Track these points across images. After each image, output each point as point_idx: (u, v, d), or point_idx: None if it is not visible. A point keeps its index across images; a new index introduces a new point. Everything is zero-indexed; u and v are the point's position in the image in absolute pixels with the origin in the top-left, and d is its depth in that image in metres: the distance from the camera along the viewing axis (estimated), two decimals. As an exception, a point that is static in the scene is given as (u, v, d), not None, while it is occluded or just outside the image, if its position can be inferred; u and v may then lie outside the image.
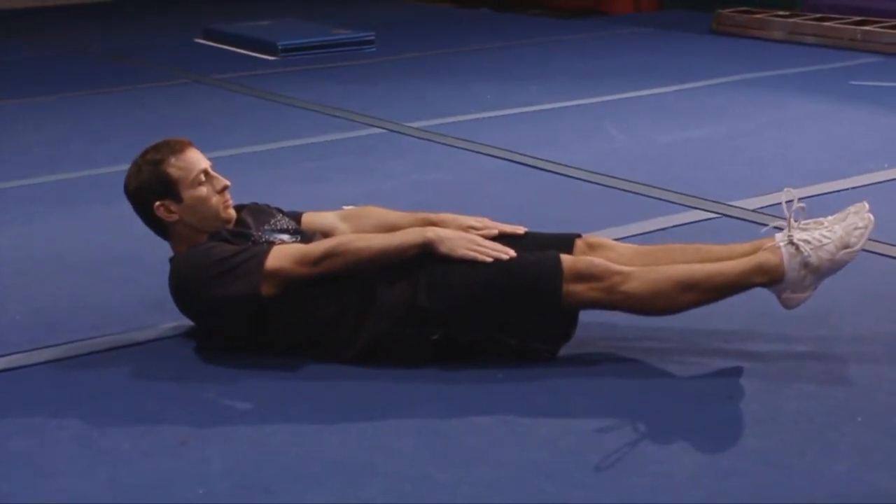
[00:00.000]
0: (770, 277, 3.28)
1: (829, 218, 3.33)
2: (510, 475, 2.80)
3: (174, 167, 3.46)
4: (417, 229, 3.40)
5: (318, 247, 3.37)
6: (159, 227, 3.54)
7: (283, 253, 3.35)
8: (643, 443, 2.91)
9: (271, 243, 3.44)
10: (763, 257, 3.29)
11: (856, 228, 3.28)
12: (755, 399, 3.12)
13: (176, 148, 3.49)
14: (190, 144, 3.52)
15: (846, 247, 3.27)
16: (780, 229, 3.33)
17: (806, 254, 3.26)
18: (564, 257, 3.32)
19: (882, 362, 3.31)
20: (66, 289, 4.05)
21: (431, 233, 3.37)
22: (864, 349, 3.39)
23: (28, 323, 3.75)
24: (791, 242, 3.27)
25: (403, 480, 2.79)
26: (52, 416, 3.15)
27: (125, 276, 4.11)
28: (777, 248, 3.29)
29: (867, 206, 3.33)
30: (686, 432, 2.96)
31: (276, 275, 3.31)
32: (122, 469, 2.88)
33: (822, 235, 3.28)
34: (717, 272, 3.29)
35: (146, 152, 3.51)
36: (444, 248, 3.35)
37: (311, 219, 3.71)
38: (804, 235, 3.28)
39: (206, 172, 3.49)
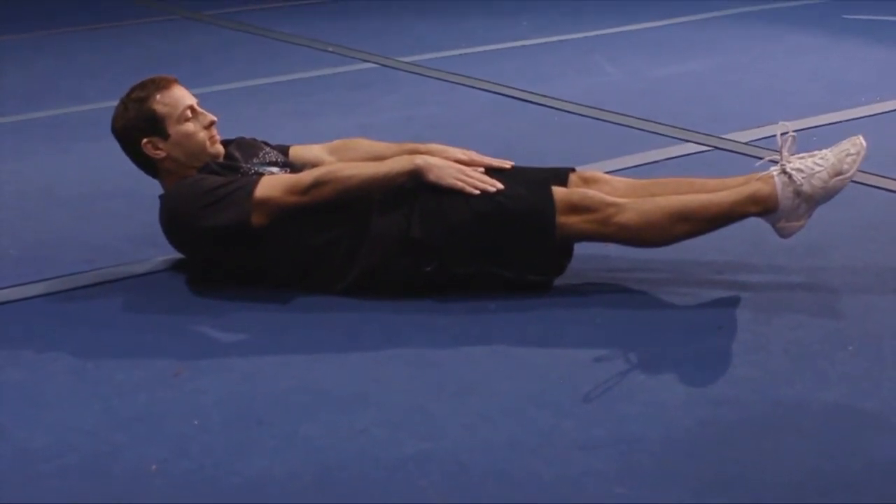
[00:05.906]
0: (763, 207, 3.28)
1: (824, 151, 3.33)
2: (503, 405, 2.82)
3: (160, 104, 3.45)
4: (406, 157, 3.40)
5: (307, 175, 3.37)
6: (147, 165, 3.53)
7: (273, 182, 3.35)
8: (635, 372, 2.93)
9: (260, 174, 3.44)
10: (756, 187, 3.29)
11: (848, 155, 3.28)
12: (746, 329, 3.14)
13: (161, 85, 3.48)
14: (175, 81, 3.51)
15: (839, 174, 3.27)
16: (775, 162, 3.34)
17: (799, 182, 3.26)
18: (557, 189, 3.32)
19: (872, 292, 3.33)
20: (58, 224, 4.04)
21: (420, 160, 3.37)
22: (855, 280, 3.41)
23: (20, 257, 3.74)
24: (784, 171, 3.28)
25: (396, 410, 2.81)
26: (45, 348, 3.16)
27: (117, 210, 4.10)
28: (770, 177, 3.29)
29: (861, 137, 3.33)
30: (677, 362, 2.98)
31: (266, 204, 3.31)
32: (116, 400, 2.89)
33: (814, 163, 3.28)
34: (711, 202, 3.30)
35: (132, 91, 3.51)
36: (431, 176, 3.34)
37: (298, 152, 3.70)
38: (797, 164, 3.28)
39: (192, 108, 3.48)
